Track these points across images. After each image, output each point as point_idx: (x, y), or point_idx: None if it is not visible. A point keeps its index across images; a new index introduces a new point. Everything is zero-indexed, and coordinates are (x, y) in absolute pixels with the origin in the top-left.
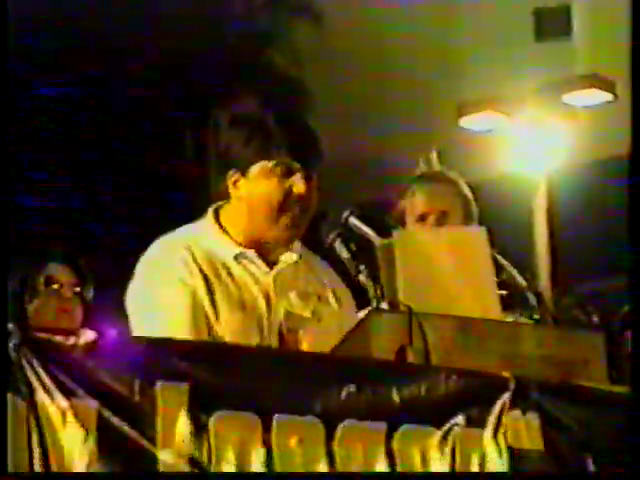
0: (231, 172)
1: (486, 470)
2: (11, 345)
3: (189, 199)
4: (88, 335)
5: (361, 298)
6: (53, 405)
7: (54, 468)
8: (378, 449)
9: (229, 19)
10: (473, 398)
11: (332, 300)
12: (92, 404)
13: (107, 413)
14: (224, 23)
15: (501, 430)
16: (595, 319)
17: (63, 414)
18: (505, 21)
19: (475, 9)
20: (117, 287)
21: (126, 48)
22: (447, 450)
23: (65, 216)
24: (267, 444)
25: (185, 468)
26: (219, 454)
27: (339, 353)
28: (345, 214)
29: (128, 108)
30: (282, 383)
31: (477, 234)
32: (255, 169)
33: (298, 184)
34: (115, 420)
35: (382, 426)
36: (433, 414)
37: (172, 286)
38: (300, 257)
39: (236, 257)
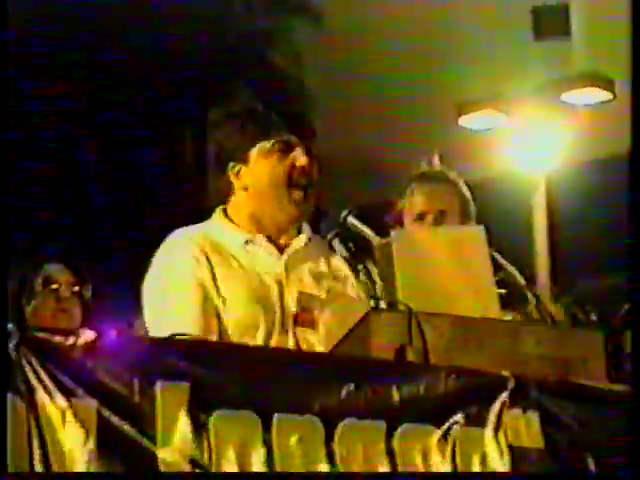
0: (231, 164)
1: (487, 469)
2: (10, 345)
3: (188, 199)
4: (87, 335)
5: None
6: (53, 405)
7: (54, 468)
8: (378, 448)
9: (229, 19)
10: (472, 397)
11: (346, 280)
12: (92, 404)
13: (107, 413)
14: (224, 23)
15: (501, 429)
16: (594, 318)
17: (63, 414)
18: (504, 20)
19: (474, 8)
20: (116, 285)
21: (125, 51)
22: (447, 449)
23: (60, 215)
24: (267, 443)
25: (185, 467)
26: (219, 453)
27: (338, 352)
28: (343, 214)
29: (127, 109)
30: (282, 382)
31: (475, 233)
32: (254, 152)
33: (300, 158)
34: (115, 419)
35: (382, 425)
36: (433, 413)
37: (182, 281)
38: (309, 240)
39: (246, 243)
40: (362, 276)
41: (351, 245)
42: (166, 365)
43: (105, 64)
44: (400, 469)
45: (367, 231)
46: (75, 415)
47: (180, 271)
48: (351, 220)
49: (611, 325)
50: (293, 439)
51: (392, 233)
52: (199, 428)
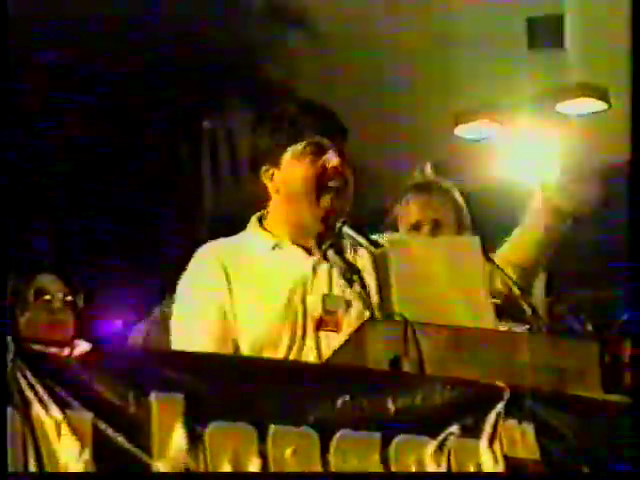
0: (264, 167)
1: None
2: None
3: (185, 205)
4: (82, 346)
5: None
6: (48, 417)
7: None
8: (373, 459)
9: (225, 31)
10: (468, 408)
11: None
12: (87, 416)
13: (102, 424)
14: (219, 34)
15: (496, 439)
16: (589, 328)
17: (58, 426)
18: (499, 30)
19: (470, 20)
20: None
21: (124, 56)
22: (443, 459)
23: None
24: (262, 455)
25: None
26: (215, 465)
27: (334, 363)
28: (338, 224)
29: (123, 116)
30: (277, 393)
31: (471, 243)
32: (287, 156)
33: (332, 159)
34: (110, 431)
35: (377, 436)
36: (428, 424)
37: (198, 304)
38: (339, 242)
39: (273, 248)
40: (357, 286)
41: (346, 255)
42: (161, 376)
43: (102, 78)
44: None
45: (362, 241)
46: (70, 427)
47: (196, 294)
48: (346, 230)
49: (607, 335)
50: (288, 450)
51: (387, 242)
52: (195, 439)
